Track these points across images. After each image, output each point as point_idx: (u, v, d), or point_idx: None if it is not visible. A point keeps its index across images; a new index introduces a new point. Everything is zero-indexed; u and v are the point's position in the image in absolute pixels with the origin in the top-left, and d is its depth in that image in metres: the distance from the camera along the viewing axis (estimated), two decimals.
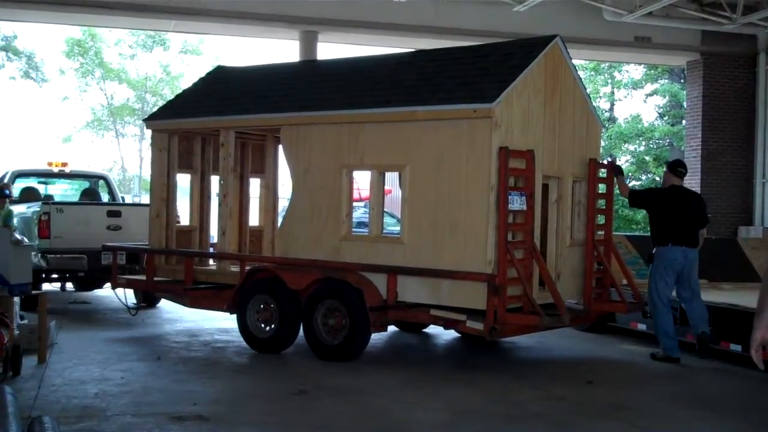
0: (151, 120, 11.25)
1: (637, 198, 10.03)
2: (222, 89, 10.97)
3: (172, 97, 12.74)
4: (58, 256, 11.98)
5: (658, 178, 30.43)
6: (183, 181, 11.56)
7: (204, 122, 10.46)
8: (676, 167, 9.69)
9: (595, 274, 9.33)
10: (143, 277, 10.99)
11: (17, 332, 8.28)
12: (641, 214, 27.42)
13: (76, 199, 15.39)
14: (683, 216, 9.40)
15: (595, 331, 10.98)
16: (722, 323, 9.16)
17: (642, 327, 10.00)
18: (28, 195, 14.25)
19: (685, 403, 7.44)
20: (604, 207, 9.71)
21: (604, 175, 9.72)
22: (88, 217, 12.79)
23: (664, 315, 9.30)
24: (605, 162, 10.04)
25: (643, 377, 8.64)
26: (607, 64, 31.60)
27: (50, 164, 15.49)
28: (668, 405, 7.36)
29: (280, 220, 10.78)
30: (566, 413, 6.98)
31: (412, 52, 10.97)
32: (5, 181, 14.53)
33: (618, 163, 10.02)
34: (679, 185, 9.62)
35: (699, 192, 18.83)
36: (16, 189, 14.54)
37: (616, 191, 10.10)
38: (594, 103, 10.82)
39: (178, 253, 10.82)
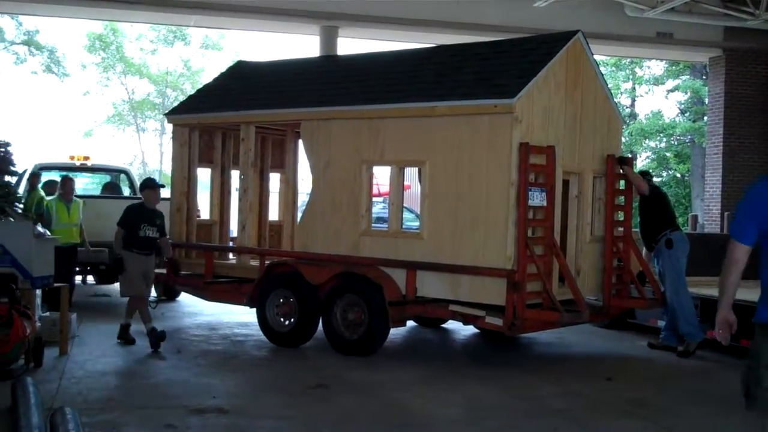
0: (172, 114, 11.31)
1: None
2: (242, 84, 11.01)
3: (193, 91, 12.79)
4: (79, 249, 12.04)
5: (679, 175, 30.27)
6: (203, 175, 11.62)
7: (224, 117, 10.51)
8: (644, 176, 10.13)
9: (615, 271, 9.31)
10: (164, 271, 11.05)
11: (39, 324, 8.35)
12: None
13: (97, 192, 15.48)
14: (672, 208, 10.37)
15: (614, 328, 10.94)
16: (742, 320, 9.07)
17: (662, 323, 9.96)
18: (51, 188, 14.35)
19: (704, 400, 7.41)
20: (623, 203, 9.68)
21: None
22: (110, 210, 12.81)
23: (690, 301, 9.48)
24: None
25: (662, 374, 8.61)
26: (628, 60, 31.40)
27: (72, 158, 15.58)
28: (688, 401, 7.33)
29: (299, 214, 10.81)
30: (585, 409, 6.97)
31: (432, 47, 10.96)
32: (27, 175, 14.62)
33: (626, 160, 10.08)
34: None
35: (720, 189, 18.76)
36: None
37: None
38: (615, 99, 10.76)
39: (198, 247, 10.88)
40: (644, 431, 6.48)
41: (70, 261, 11.04)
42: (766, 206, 4.22)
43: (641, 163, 32.12)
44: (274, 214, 12.20)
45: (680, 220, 11.06)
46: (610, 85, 12.19)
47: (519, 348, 9.88)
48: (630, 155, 10.03)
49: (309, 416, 6.60)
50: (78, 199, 11.45)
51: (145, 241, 9.44)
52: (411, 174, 13.19)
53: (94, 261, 12.43)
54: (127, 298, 9.66)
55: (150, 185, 9.77)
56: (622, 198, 9.67)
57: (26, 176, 14.53)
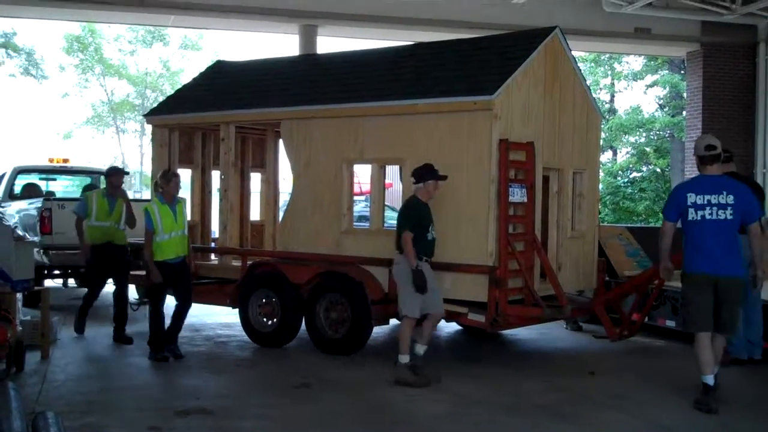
0: (151, 115, 11.26)
1: None
2: (222, 84, 10.98)
3: (172, 92, 12.73)
4: (59, 252, 11.96)
5: (659, 170, 30.42)
6: (184, 176, 11.56)
7: (204, 117, 10.47)
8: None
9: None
10: (145, 273, 10.99)
11: (20, 328, 8.29)
12: (642, 206, 27.35)
13: (77, 195, 15.40)
14: None
15: (597, 323, 10.96)
16: None
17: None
18: (30, 191, 14.26)
19: (686, 394, 7.44)
20: None
21: None
22: None
23: (758, 317, 8.58)
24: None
25: (644, 368, 8.65)
26: (607, 55, 31.53)
27: (52, 160, 15.50)
28: (671, 393, 7.37)
29: (281, 214, 10.80)
30: (568, 404, 7.01)
31: (411, 45, 10.96)
32: (6, 178, 14.51)
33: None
34: (731, 170, 7.98)
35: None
36: (17, 186, 14.51)
37: None
38: (594, 95, 10.77)
39: None
40: (628, 424, 6.52)
41: (185, 278, 9.04)
42: (681, 197, 6.90)
43: (621, 158, 32.24)
44: (255, 214, 12.17)
45: (660, 214, 10.68)
46: (589, 81, 12.20)
47: (502, 344, 9.90)
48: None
49: (293, 416, 6.60)
50: (181, 198, 9.16)
51: (433, 245, 7.73)
52: (392, 172, 13.20)
53: (74, 264, 12.33)
54: None
55: (435, 174, 7.65)
56: None
57: (6, 179, 14.47)
